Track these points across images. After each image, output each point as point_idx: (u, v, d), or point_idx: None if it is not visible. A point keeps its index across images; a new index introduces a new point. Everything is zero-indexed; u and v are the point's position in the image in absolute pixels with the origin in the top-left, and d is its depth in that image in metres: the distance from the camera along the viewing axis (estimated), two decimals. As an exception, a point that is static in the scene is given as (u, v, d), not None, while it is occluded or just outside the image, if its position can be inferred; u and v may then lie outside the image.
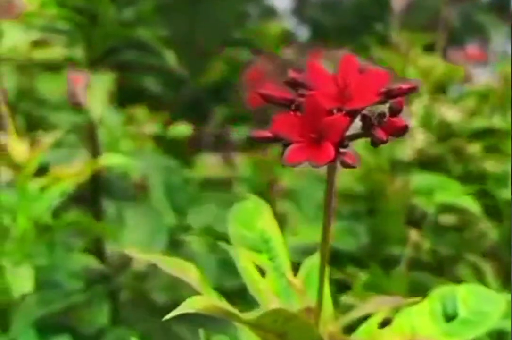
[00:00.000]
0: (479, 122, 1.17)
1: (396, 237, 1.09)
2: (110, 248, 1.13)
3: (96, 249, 1.15)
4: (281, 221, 1.37)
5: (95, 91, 1.05)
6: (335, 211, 1.16)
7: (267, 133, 0.41)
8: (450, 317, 0.50)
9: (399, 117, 0.41)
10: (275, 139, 0.41)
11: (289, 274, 0.49)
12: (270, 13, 3.24)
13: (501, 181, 1.16)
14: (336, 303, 0.94)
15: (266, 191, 1.63)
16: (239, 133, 1.98)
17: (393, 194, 1.07)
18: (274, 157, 1.70)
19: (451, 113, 1.16)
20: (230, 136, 2.02)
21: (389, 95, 0.41)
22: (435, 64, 1.17)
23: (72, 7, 1.10)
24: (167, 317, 0.40)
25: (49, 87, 1.37)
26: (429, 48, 1.38)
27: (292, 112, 0.41)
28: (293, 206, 1.36)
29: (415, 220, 1.13)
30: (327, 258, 0.46)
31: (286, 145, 0.40)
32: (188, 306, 0.40)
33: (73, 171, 0.85)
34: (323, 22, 3.48)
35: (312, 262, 0.52)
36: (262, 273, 0.50)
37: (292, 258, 1.23)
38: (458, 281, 1.05)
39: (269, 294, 0.48)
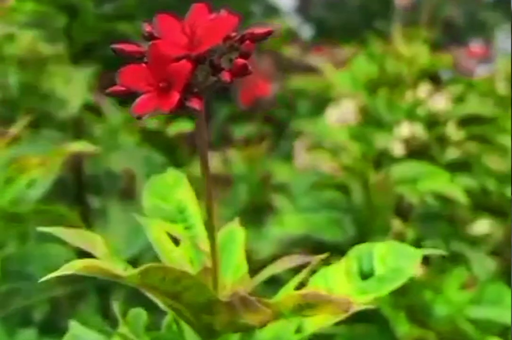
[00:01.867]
0: (465, 110, 1.15)
1: (382, 227, 1.07)
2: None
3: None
4: (276, 214, 1.36)
5: (75, 84, 1.05)
6: (318, 202, 1.15)
7: (119, 88, 0.40)
8: (366, 275, 0.49)
9: (242, 59, 0.41)
10: (128, 92, 0.40)
11: (204, 243, 0.48)
12: (274, 11, 3.24)
13: (504, 179, 1.15)
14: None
15: (261, 186, 1.62)
16: (239, 131, 1.97)
17: (377, 184, 1.06)
18: (268, 152, 1.70)
19: (439, 100, 1.14)
20: (232, 134, 2.02)
21: (241, 40, 0.41)
22: (419, 53, 1.15)
23: (52, 1, 1.10)
24: (45, 278, 0.39)
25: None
26: (432, 46, 1.37)
27: (139, 64, 0.40)
28: (286, 200, 1.35)
29: (402, 210, 1.11)
30: (214, 214, 0.44)
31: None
32: (68, 267, 0.40)
33: (39, 160, 0.84)
34: (327, 21, 3.47)
35: (228, 231, 0.51)
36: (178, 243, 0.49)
37: (279, 249, 1.22)
38: (444, 271, 1.04)
39: (182, 263, 0.47)
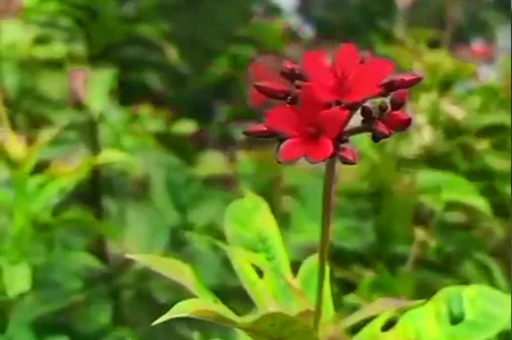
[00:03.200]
0: (487, 119, 1.15)
1: (403, 235, 1.06)
2: (112, 247, 1.11)
3: (98, 248, 1.13)
4: (285, 219, 1.36)
5: (95, 87, 1.03)
6: (339, 209, 1.14)
7: (262, 128, 0.39)
8: (456, 320, 0.48)
9: (402, 111, 0.39)
10: (270, 134, 0.39)
11: (287, 274, 0.47)
12: (275, 11, 3.23)
13: (507, 178, 1.14)
14: (340, 303, 0.92)
15: (270, 189, 1.62)
16: (243, 130, 1.96)
17: (399, 192, 1.05)
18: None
19: (457, 110, 1.14)
20: (235, 134, 2.01)
21: (390, 87, 0.39)
22: (442, 60, 1.15)
23: (72, 2, 1.08)
24: (155, 323, 0.38)
25: (50, 85, 1.36)
26: (434, 45, 1.36)
27: (288, 105, 0.39)
28: (297, 204, 1.34)
29: (422, 218, 1.11)
30: (326, 258, 0.43)
31: (282, 140, 0.38)
32: (178, 310, 0.38)
33: (71, 167, 0.83)
34: (328, 20, 3.47)
35: (312, 262, 0.49)
36: (261, 273, 0.48)
37: (296, 257, 1.21)
38: (465, 280, 1.04)
39: (266, 296, 0.46)
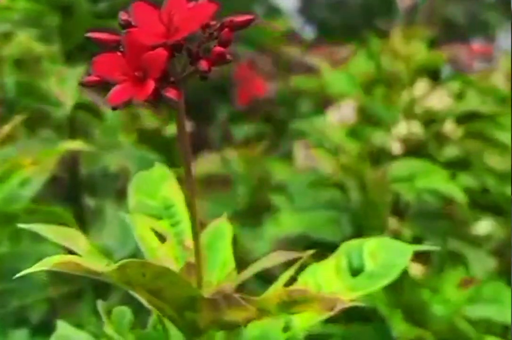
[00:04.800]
0: (464, 106, 1.14)
1: (379, 225, 1.06)
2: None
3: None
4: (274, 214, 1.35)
5: (68, 84, 1.04)
6: (316, 200, 1.13)
7: (93, 78, 0.39)
8: (356, 271, 0.48)
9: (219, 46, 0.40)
10: (102, 82, 0.39)
11: (188, 240, 0.47)
12: (276, 12, 3.23)
13: (507, 178, 1.14)
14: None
15: (260, 186, 1.62)
16: (239, 131, 1.97)
17: (372, 182, 1.05)
18: (267, 152, 1.69)
19: (436, 98, 1.13)
20: (232, 135, 2.01)
21: (221, 28, 0.40)
22: (416, 50, 1.14)
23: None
24: (20, 274, 0.38)
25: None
26: (433, 45, 1.36)
27: (112, 52, 0.39)
28: (284, 200, 1.34)
29: (399, 208, 1.10)
30: (195, 208, 0.43)
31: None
32: (44, 264, 0.39)
33: (32, 159, 0.84)
34: (329, 21, 3.46)
35: (217, 226, 0.50)
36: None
37: (276, 248, 1.21)
38: (442, 270, 1.03)
39: (167, 261, 0.46)
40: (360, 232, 1.08)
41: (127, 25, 0.41)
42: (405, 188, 1.04)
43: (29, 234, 0.92)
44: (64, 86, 1.01)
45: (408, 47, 1.14)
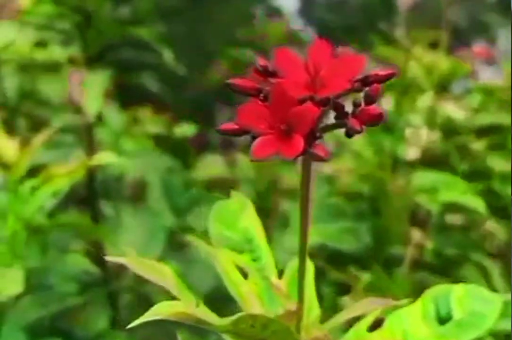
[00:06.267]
0: (484, 119, 1.14)
1: (399, 237, 1.06)
2: (109, 251, 1.11)
3: (95, 252, 1.13)
4: (284, 221, 1.35)
5: (91, 89, 1.03)
6: (335, 210, 1.13)
7: (233, 126, 0.38)
8: (443, 319, 0.47)
9: (374, 106, 0.38)
10: (242, 131, 0.38)
11: (273, 275, 0.46)
12: (276, 13, 3.23)
13: (507, 179, 1.14)
14: (335, 305, 0.92)
15: (269, 191, 1.61)
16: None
17: (395, 193, 1.05)
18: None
19: (455, 110, 1.13)
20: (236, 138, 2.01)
21: (364, 82, 0.38)
22: (439, 60, 1.14)
23: (67, 4, 1.08)
24: (131, 325, 0.37)
25: (49, 88, 1.35)
26: (434, 47, 1.36)
27: (259, 102, 0.38)
28: (295, 206, 1.34)
29: (419, 219, 1.10)
30: (307, 258, 0.43)
31: (255, 138, 0.37)
32: (155, 313, 0.37)
33: (65, 170, 0.83)
34: (329, 23, 3.47)
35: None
36: (246, 275, 0.47)
37: (293, 258, 1.20)
38: (463, 282, 1.03)
39: (251, 297, 0.45)
40: (379, 242, 1.08)
41: (266, 72, 0.38)
42: (428, 199, 1.04)
43: (54, 244, 0.92)
44: (87, 94, 1.01)
45: (429, 55, 1.14)
